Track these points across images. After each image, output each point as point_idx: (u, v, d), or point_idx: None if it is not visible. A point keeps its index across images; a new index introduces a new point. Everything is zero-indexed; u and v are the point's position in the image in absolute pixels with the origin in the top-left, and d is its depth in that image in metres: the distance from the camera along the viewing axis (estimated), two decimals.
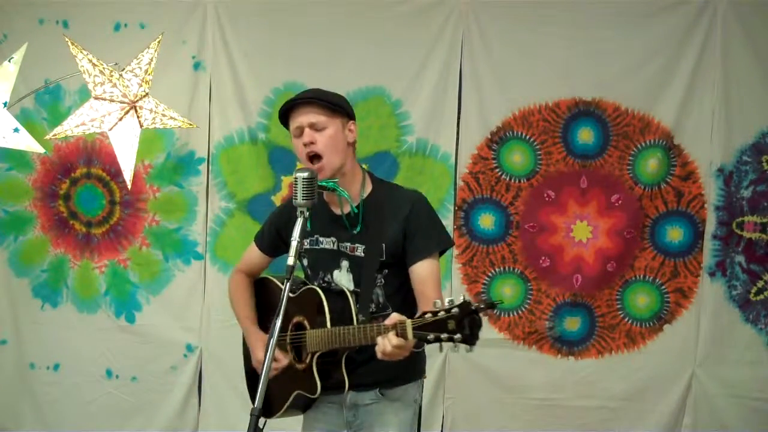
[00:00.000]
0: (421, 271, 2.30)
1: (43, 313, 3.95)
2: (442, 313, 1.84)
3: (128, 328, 3.89)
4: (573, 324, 3.74)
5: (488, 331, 3.75)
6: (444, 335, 1.83)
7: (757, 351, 3.66)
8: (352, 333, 2.18)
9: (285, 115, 2.39)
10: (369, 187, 2.39)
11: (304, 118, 2.31)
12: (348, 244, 2.35)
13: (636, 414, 3.73)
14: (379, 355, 2.02)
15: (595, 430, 3.73)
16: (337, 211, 2.38)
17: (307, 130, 2.30)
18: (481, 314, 1.84)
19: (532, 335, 3.75)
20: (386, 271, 2.34)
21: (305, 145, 2.30)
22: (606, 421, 3.73)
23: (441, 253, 2.38)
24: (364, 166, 2.47)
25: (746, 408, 3.67)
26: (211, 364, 3.85)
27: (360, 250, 2.34)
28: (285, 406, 2.43)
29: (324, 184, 2.27)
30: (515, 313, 3.76)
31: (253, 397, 2.57)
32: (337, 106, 2.34)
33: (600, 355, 3.75)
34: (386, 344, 1.99)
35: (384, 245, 2.31)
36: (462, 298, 1.84)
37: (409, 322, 1.93)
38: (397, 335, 1.96)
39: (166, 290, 3.88)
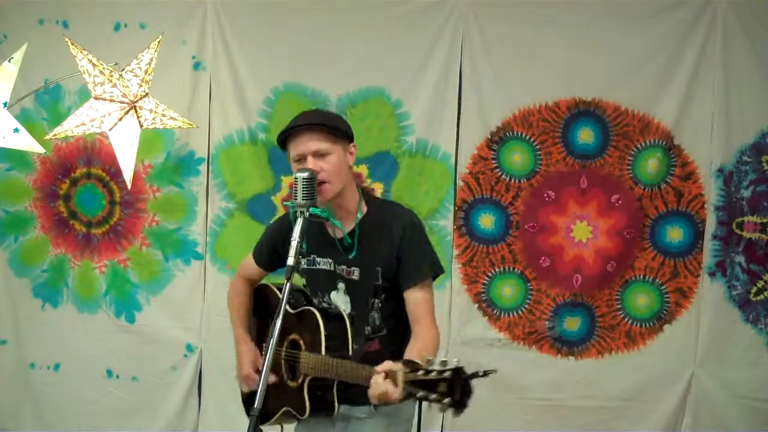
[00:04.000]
0: (415, 297, 2.30)
1: (43, 313, 3.95)
2: (434, 373, 1.79)
3: (128, 328, 3.89)
4: (573, 324, 3.74)
5: (488, 331, 3.75)
6: (433, 396, 1.78)
7: (757, 351, 3.66)
8: (343, 367, 2.16)
9: (284, 137, 2.32)
10: (364, 208, 2.37)
11: (306, 146, 2.25)
12: (344, 267, 2.35)
13: (636, 414, 3.72)
14: (371, 396, 1.97)
15: (595, 430, 3.73)
16: (333, 233, 2.37)
17: (311, 159, 2.24)
18: (471, 381, 1.79)
19: (532, 335, 3.75)
20: (383, 295, 2.34)
21: None
22: (606, 421, 3.73)
23: (433, 279, 2.37)
24: (361, 169, 2.46)
25: (746, 408, 3.66)
26: (211, 364, 3.85)
27: (356, 274, 2.33)
28: (274, 419, 2.43)
29: (318, 213, 2.23)
30: (515, 313, 3.76)
31: (246, 408, 2.56)
32: (339, 131, 2.28)
33: (600, 355, 3.75)
34: (381, 385, 1.93)
35: (379, 270, 2.31)
36: (455, 362, 1.79)
37: (400, 373, 1.87)
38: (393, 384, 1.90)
39: (166, 290, 3.88)
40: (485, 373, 1.80)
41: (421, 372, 1.81)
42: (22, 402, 3.97)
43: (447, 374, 1.76)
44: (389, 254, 2.30)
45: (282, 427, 2.50)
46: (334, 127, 2.27)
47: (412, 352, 2.16)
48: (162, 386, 3.89)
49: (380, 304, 2.35)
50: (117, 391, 3.92)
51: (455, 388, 1.75)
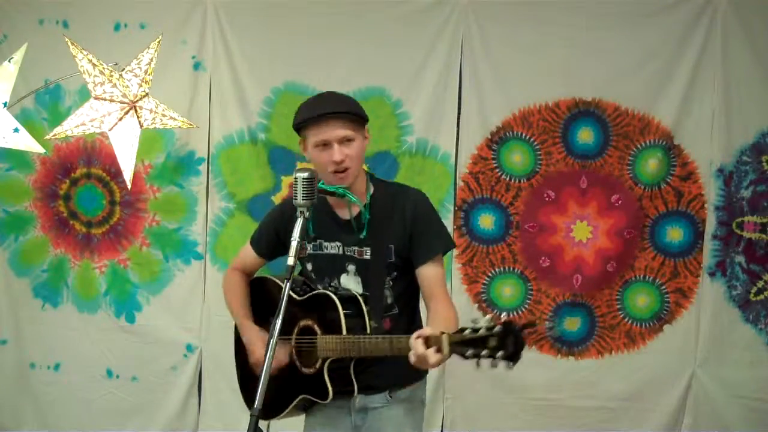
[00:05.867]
0: (429, 272, 2.32)
1: (43, 313, 3.95)
2: (483, 330, 1.84)
3: (128, 328, 3.89)
4: (573, 324, 3.74)
5: None
6: (484, 352, 1.83)
7: (757, 351, 3.66)
8: (373, 343, 2.16)
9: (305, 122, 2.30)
10: (372, 188, 2.39)
11: (333, 132, 2.25)
12: (355, 248, 2.35)
13: (636, 414, 3.73)
14: (411, 359, 2.00)
15: (595, 430, 3.73)
16: (343, 215, 2.37)
17: (337, 146, 2.25)
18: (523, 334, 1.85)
19: (532, 335, 3.74)
20: (395, 273, 2.34)
21: (335, 162, 2.25)
22: (606, 421, 3.73)
23: (444, 253, 2.39)
24: (364, 166, 2.46)
25: (746, 408, 3.67)
26: (211, 364, 3.85)
27: (368, 253, 2.33)
28: (287, 410, 2.40)
29: (333, 189, 2.25)
30: (515, 313, 3.76)
31: (246, 399, 2.55)
32: (362, 118, 2.31)
33: (600, 355, 3.75)
34: (421, 351, 1.96)
35: (392, 247, 2.32)
36: (505, 316, 1.87)
37: (445, 336, 1.92)
38: (436, 350, 1.94)
39: (166, 290, 3.88)
40: (534, 324, 1.88)
41: (468, 331, 1.87)
42: (22, 402, 3.97)
43: (497, 329, 1.82)
44: (401, 231, 2.32)
45: (268, 424, 2.45)
46: (358, 114, 2.30)
47: (438, 326, 2.15)
48: (162, 386, 3.89)
49: (391, 283, 2.35)
50: (117, 391, 3.92)
51: (507, 341, 1.81)
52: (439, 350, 1.93)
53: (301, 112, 2.34)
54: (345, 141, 2.26)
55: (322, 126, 2.26)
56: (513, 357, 1.82)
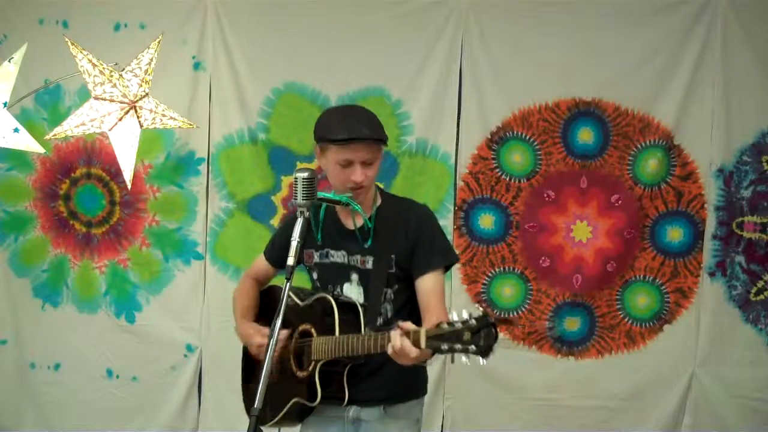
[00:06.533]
0: (427, 284, 2.32)
1: (43, 313, 3.95)
2: (459, 324, 1.85)
3: (128, 328, 3.89)
4: (573, 324, 3.74)
5: None
6: (458, 346, 1.83)
7: (757, 351, 3.66)
8: (360, 341, 2.16)
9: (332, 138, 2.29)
10: (379, 200, 2.40)
11: (358, 155, 2.26)
12: (358, 256, 2.36)
13: (636, 414, 3.73)
14: (389, 351, 2.02)
15: (595, 430, 3.73)
16: (348, 224, 2.38)
17: (359, 168, 2.26)
18: (497, 328, 1.84)
19: (532, 335, 3.75)
20: (396, 286, 2.35)
21: (356, 182, 2.26)
22: (606, 421, 3.73)
23: (446, 269, 2.39)
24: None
25: (746, 408, 3.67)
26: (211, 364, 3.85)
27: (370, 263, 2.34)
28: (281, 414, 2.40)
29: (338, 198, 2.26)
30: (515, 314, 3.76)
31: (246, 407, 2.54)
32: (386, 141, 2.32)
33: (600, 355, 3.75)
34: (398, 344, 1.99)
35: (393, 257, 2.32)
36: (480, 311, 1.85)
37: (423, 330, 1.93)
38: (414, 344, 1.96)
39: (166, 290, 3.88)
40: (509, 319, 1.88)
41: (445, 325, 1.87)
42: (22, 402, 3.97)
43: (472, 322, 1.83)
44: (404, 242, 2.33)
45: (279, 430, 2.47)
46: (384, 140, 2.31)
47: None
48: (162, 386, 3.89)
49: (393, 296, 2.36)
50: (117, 391, 3.92)
51: (480, 334, 1.81)
52: (417, 344, 1.94)
53: (327, 125, 2.31)
54: (367, 164, 2.28)
55: (348, 146, 2.25)
56: (484, 351, 1.82)
